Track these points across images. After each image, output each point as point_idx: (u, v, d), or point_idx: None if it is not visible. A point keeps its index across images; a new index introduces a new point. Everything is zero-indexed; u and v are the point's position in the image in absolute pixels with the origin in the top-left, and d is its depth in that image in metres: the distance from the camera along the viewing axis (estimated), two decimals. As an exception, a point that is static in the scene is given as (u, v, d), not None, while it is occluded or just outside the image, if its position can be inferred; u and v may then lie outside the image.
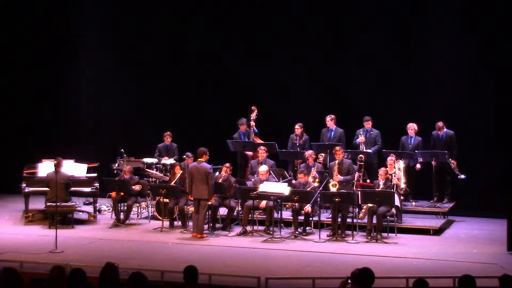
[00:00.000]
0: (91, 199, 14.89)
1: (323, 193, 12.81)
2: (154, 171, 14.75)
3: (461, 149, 14.34)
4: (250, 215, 13.02)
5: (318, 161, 13.87)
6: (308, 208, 12.68)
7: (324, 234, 12.83)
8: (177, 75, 16.71)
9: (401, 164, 13.61)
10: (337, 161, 13.35)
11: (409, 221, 13.62)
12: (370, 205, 12.60)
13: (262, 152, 13.93)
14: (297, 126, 14.62)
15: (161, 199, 13.66)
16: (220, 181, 13.22)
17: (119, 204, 13.80)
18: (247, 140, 14.85)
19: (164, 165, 14.84)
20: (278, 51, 16.16)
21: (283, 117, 15.57)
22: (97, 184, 14.27)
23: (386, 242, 12.38)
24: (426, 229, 13.23)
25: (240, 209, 13.61)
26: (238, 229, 13.10)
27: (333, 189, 12.99)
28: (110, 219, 14.11)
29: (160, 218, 13.66)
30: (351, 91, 15.68)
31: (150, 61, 16.86)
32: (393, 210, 12.82)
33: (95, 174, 14.48)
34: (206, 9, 16.55)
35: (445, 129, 14.32)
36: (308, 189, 12.88)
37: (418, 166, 14.22)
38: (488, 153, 14.50)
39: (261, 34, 16.19)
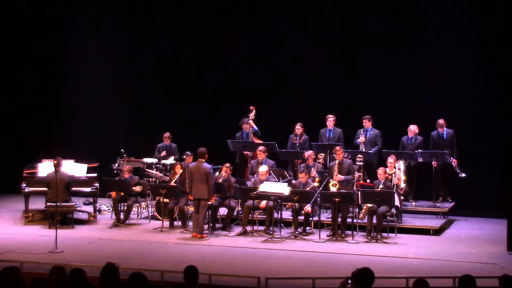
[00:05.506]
0: (91, 199, 14.88)
1: (323, 193, 12.81)
2: (154, 171, 14.76)
3: (461, 148, 14.35)
4: (250, 215, 13.02)
5: (318, 161, 13.87)
6: (308, 208, 12.68)
7: (324, 234, 12.82)
8: (177, 75, 16.69)
9: (401, 164, 13.61)
10: (337, 161, 13.35)
11: (409, 221, 13.62)
12: (370, 205, 12.61)
13: (260, 153, 13.91)
14: (297, 126, 14.62)
15: (161, 199, 13.66)
16: (220, 181, 13.21)
17: (119, 204, 13.81)
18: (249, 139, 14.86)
19: (164, 165, 14.84)
20: (278, 51, 16.16)
21: (283, 117, 15.57)
22: (97, 184, 14.27)
23: (386, 242, 12.38)
24: (426, 229, 13.23)
25: (240, 209, 13.60)
26: (238, 229, 13.09)
27: (333, 189, 12.99)
28: (110, 219, 14.11)
29: (160, 218, 13.66)
30: (351, 91, 15.67)
31: (150, 61, 16.83)
32: (393, 210, 12.82)
33: (95, 174, 14.47)
34: (207, 9, 16.54)
35: (445, 128, 14.34)
36: (308, 189, 12.88)
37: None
38: (488, 153, 14.49)
39: (261, 34, 16.18)
